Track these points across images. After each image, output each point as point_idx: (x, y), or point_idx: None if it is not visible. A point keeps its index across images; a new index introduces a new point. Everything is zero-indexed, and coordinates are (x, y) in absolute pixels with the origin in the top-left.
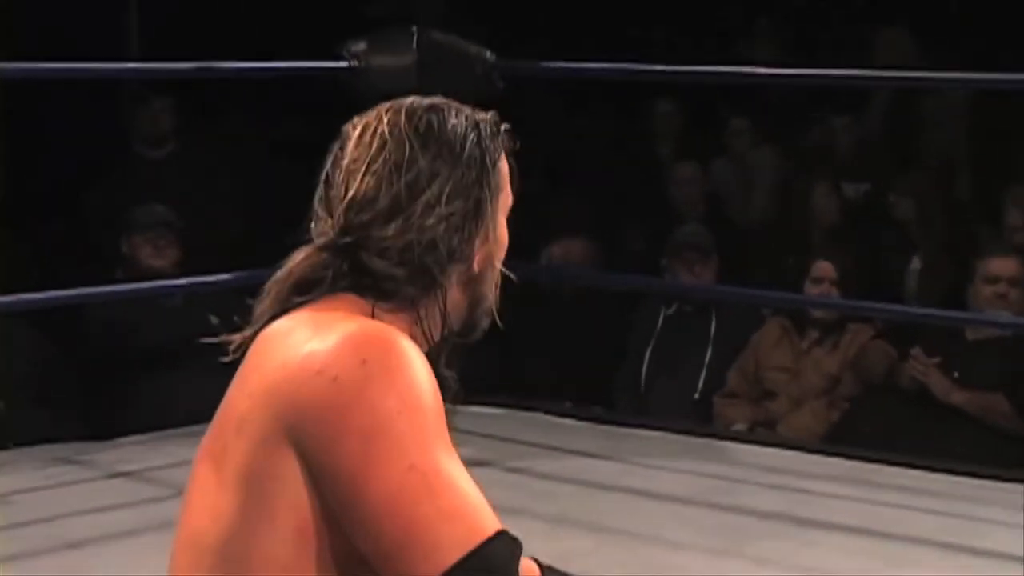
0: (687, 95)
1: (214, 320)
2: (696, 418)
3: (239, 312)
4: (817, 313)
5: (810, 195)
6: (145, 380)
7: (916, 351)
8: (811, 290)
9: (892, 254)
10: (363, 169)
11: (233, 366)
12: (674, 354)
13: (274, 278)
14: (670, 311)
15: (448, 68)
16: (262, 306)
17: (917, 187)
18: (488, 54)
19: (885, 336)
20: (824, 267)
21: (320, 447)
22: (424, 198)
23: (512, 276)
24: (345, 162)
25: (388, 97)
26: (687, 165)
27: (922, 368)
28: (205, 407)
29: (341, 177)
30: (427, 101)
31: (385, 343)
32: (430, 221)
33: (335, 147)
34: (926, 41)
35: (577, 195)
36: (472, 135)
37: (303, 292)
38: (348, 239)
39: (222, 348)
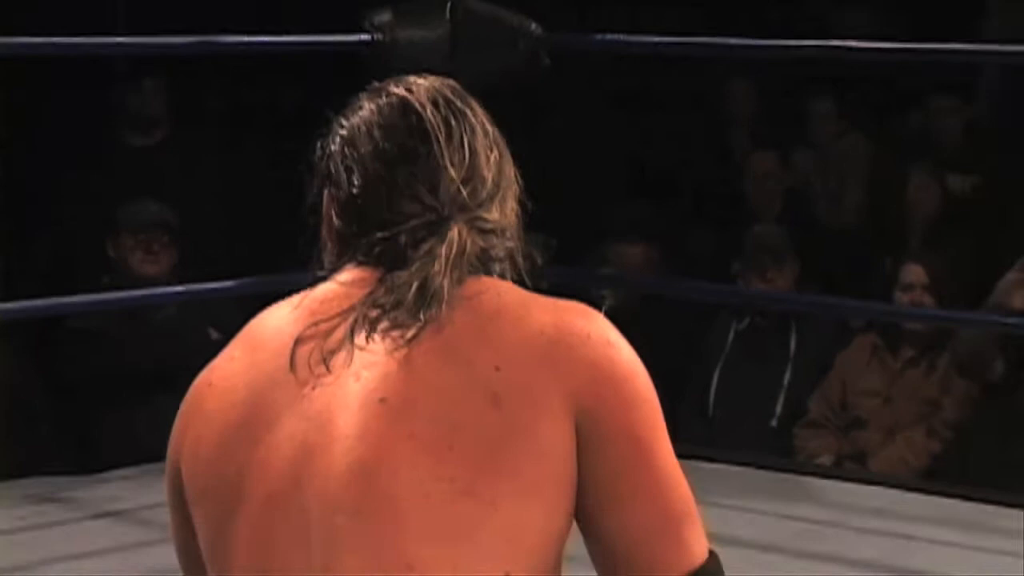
0: (764, 73)
1: (214, 334)
2: (774, 450)
3: (241, 324)
4: (912, 326)
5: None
6: (135, 404)
7: None
8: (901, 298)
9: (1006, 259)
10: (465, 143)
11: None
12: (747, 375)
13: (446, 260)
14: (742, 325)
15: (486, 43)
16: (434, 287)
17: None
18: (533, 26)
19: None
20: (915, 271)
21: (612, 409)
22: (507, 178)
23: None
24: (442, 138)
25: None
26: (764, 156)
27: None
28: None
29: (442, 150)
30: (429, 76)
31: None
32: (512, 204)
33: (383, 119)
34: None
35: (634, 189)
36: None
37: (424, 275)
38: (461, 218)
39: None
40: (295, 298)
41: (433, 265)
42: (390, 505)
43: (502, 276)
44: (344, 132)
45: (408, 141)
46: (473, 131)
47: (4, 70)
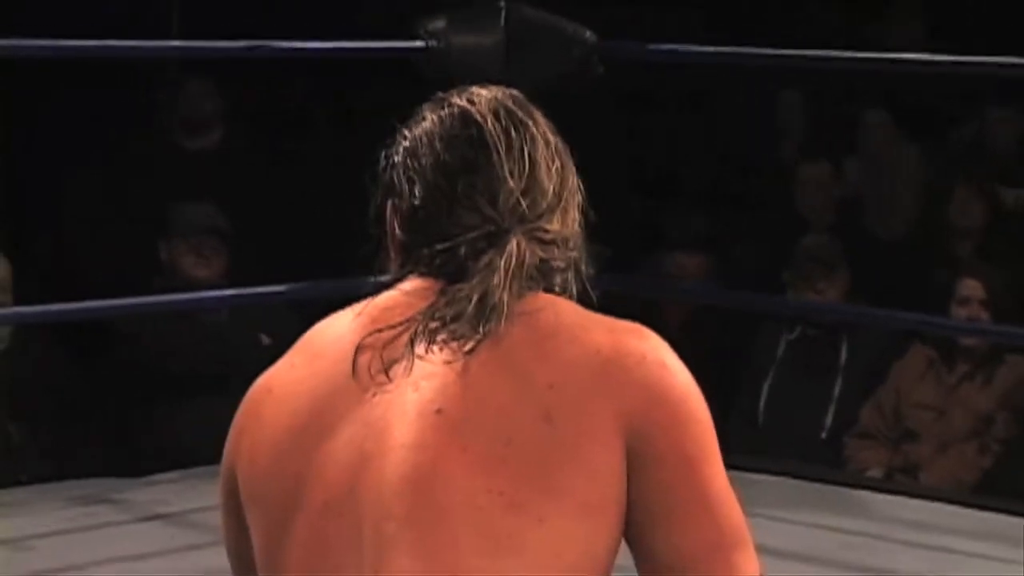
0: (816, 83)
1: (265, 339)
2: (824, 462)
3: (294, 330)
4: (967, 341)
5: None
6: (183, 408)
7: None
8: (957, 312)
9: None
10: (525, 154)
11: None
12: (798, 386)
13: (505, 272)
14: (793, 336)
15: (541, 50)
16: (493, 301)
17: None
18: (588, 34)
19: None
20: (971, 285)
21: (665, 430)
22: (572, 186)
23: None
24: (502, 149)
25: (471, 81)
26: (815, 165)
27: None
28: None
29: (502, 161)
30: (494, 87)
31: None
32: (575, 214)
33: (444, 131)
34: None
35: (687, 200)
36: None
37: (485, 286)
38: (519, 229)
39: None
40: (357, 306)
41: (493, 278)
42: (441, 515)
43: (564, 286)
44: (407, 143)
45: (468, 152)
46: (534, 141)
47: (56, 72)
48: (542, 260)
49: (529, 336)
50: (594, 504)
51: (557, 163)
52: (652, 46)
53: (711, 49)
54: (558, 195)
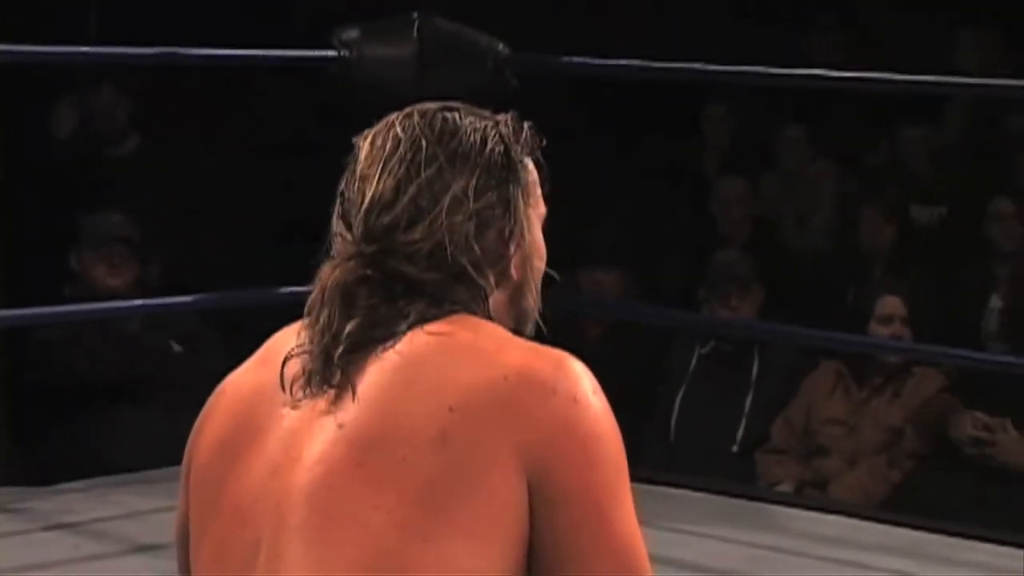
0: (736, 98)
1: (176, 347)
2: (735, 476)
3: (204, 338)
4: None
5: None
6: (92, 417)
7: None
8: (879, 331)
9: (970, 290)
10: (377, 172)
11: (195, 408)
12: (710, 400)
13: (332, 298)
14: (705, 350)
15: (453, 61)
16: (327, 325)
17: (1003, 212)
18: (501, 46)
19: (957, 385)
20: (893, 303)
21: (569, 467)
22: (449, 195)
23: (556, 276)
24: (358, 170)
25: (382, 91)
26: (733, 181)
27: (986, 435)
28: (162, 449)
29: (356, 186)
30: (440, 103)
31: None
32: (458, 218)
33: (349, 163)
34: (1016, 42)
35: (609, 216)
36: (493, 132)
37: (350, 307)
38: (373, 247)
39: (184, 382)
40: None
41: (320, 299)
42: (330, 529)
43: (469, 292)
44: None
45: (344, 183)
46: (391, 156)
47: None
48: (396, 272)
49: (439, 357)
50: (486, 530)
51: (429, 171)
52: (567, 59)
53: (625, 63)
54: (419, 205)
